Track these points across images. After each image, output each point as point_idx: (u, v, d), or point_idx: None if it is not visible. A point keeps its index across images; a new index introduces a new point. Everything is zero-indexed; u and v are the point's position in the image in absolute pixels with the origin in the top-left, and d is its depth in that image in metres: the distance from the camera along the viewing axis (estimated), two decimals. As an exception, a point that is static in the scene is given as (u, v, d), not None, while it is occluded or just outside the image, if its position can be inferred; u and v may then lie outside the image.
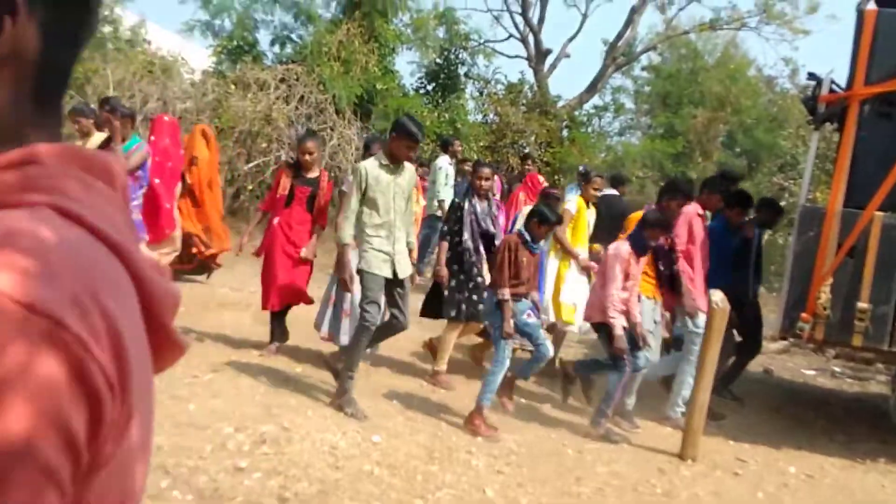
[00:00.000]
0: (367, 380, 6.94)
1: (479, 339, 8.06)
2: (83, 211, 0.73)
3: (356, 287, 6.34)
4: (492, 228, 7.45)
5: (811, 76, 7.75)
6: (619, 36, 24.39)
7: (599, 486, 5.37)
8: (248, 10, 17.20)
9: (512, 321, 6.20)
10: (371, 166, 6.20)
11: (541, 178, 12.04)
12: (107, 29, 17.07)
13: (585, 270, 8.07)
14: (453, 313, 7.29)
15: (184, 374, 6.17)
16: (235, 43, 16.83)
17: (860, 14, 7.12)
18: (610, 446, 6.27)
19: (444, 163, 12.10)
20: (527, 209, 7.54)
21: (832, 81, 7.40)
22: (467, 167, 11.56)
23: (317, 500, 4.45)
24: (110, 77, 14.47)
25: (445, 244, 7.35)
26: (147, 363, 0.79)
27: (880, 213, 6.76)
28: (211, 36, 17.33)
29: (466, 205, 7.37)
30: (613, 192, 10.02)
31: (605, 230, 8.40)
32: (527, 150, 16.62)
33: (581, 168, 10.45)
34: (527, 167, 12.36)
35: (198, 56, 17.65)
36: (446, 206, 9.83)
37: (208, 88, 15.22)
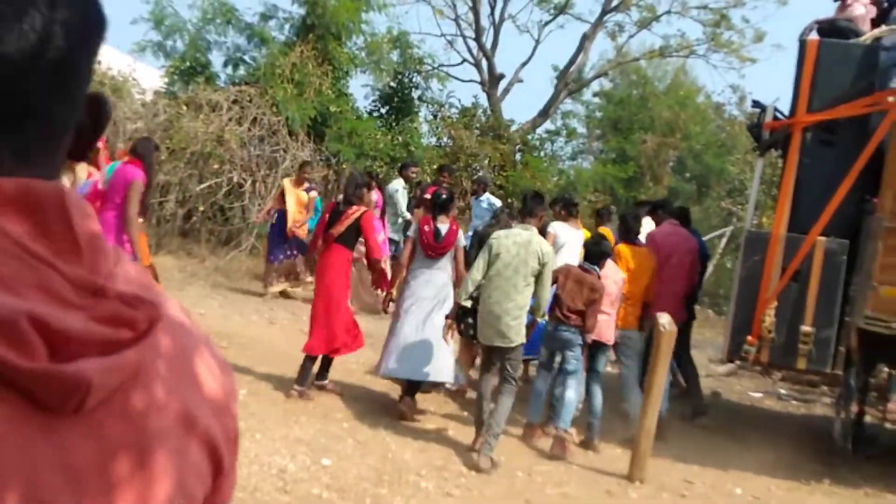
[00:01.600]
0: (317, 402, 6.91)
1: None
2: None
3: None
4: None
5: (756, 104, 7.93)
6: (571, 62, 24.67)
7: (548, 509, 5.39)
8: (200, 31, 17.10)
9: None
10: None
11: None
12: (56, 48, 16.85)
13: None
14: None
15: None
16: (188, 64, 16.71)
17: (802, 44, 7.31)
18: (560, 468, 6.30)
19: (399, 186, 12.21)
20: None
21: (776, 109, 7.58)
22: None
23: (264, 524, 4.41)
24: (59, 96, 14.27)
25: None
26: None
27: (823, 238, 6.91)
28: (163, 56, 17.18)
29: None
30: None
31: None
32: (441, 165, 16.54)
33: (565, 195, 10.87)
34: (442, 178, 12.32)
35: (149, 76, 17.48)
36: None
37: (160, 109, 15.08)
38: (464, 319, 6.84)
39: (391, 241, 11.75)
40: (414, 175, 12.64)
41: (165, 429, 0.77)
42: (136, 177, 6.79)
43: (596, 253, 6.97)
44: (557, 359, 6.90)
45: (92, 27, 0.77)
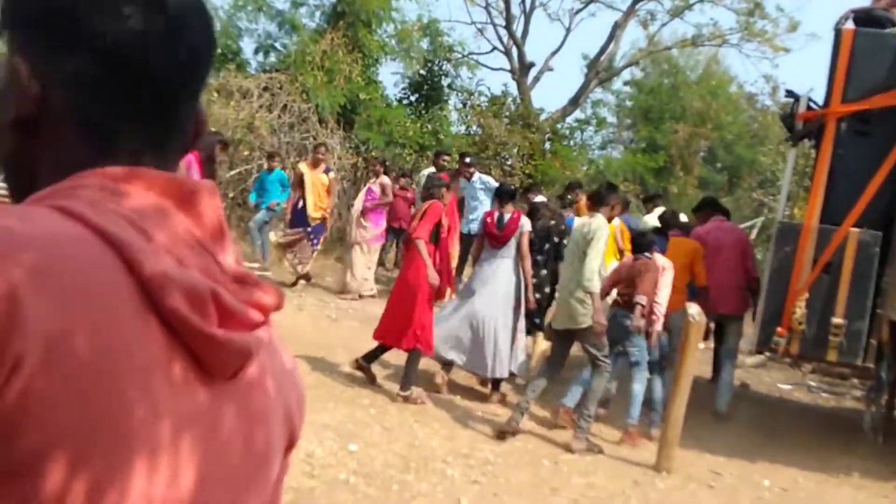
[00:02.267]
0: (346, 389, 6.94)
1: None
2: (85, 210, 0.74)
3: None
4: None
5: (789, 94, 7.84)
6: (602, 51, 24.52)
7: (575, 498, 5.39)
8: (231, 18, 17.19)
9: None
10: None
11: None
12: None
13: None
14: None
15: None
16: (219, 50, 16.79)
17: (838, 33, 7.21)
18: (587, 458, 6.29)
19: (430, 172, 12.21)
20: None
21: (810, 99, 7.50)
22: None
23: (291, 508, 4.44)
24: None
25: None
26: (136, 381, 0.72)
27: (856, 230, 6.84)
28: (194, 43, 17.29)
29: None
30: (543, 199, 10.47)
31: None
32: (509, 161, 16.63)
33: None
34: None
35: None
36: None
37: (191, 96, 15.17)
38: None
39: None
40: (445, 162, 12.60)
41: (275, 402, 0.90)
42: (189, 167, 6.80)
43: (643, 243, 7.11)
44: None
45: (213, 46, 0.91)
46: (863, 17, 7.70)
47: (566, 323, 6.59)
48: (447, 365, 7.45)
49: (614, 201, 7.04)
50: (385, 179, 11.65)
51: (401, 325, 6.94)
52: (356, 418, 6.20)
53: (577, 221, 7.06)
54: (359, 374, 7.20)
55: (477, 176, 12.29)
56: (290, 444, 0.99)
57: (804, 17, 23.80)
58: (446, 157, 12.89)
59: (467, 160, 12.20)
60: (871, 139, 7.06)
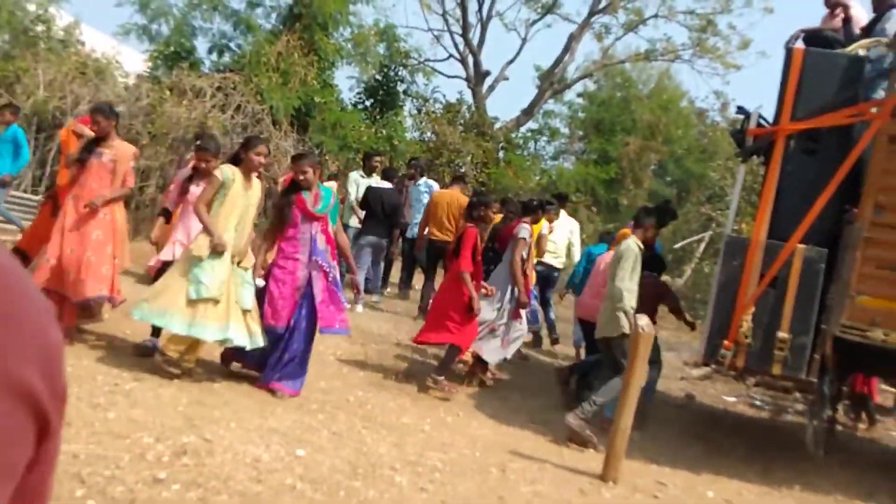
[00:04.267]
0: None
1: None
2: None
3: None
4: None
5: (740, 110, 7.96)
6: (557, 62, 24.72)
7: (521, 506, 5.39)
8: (186, 17, 16.99)
9: None
10: None
11: None
12: (39, 28, 16.70)
13: None
14: None
15: (104, 382, 6.03)
16: (172, 49, 16.60)
17: (788, 52, 7.34)
18: (534, 465, 6.31)
19: (356, 175, 12.27)
20: None
21: (760, 116, 7.61)
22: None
23: (236, 513, 4.38)
24: (41, 77, 14.16)
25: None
26: None
27: (802, 246, 6.95)
28: (147, 40, 17.06)
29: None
30: (388, 185, 11.76)
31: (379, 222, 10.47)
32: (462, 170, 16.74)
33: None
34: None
35: (133, 60, 17.36)
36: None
37: (142, 93, 14.97)
38: None
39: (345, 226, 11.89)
40: (378, 164, 12.60)
41: None
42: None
43: (653, 263, 8.22)
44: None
45: None
46: (812, 38, 7.85)
47: (602, 332, 7.56)
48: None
49: (647, 224, 7.75)
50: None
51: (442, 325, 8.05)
52: (304, 423, 6.15)
53: (621, 245, 7.78)
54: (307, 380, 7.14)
55: (423, 180, 12.35)
56: (44, 434, 0.77)
57: (755, 35, 24.26)
58: (378, 159, 12.90)
59: (412, 162, 12.45)
60: (818, 157, 7.19)
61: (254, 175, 6.93)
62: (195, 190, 7.21)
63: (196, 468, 4.78)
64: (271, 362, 6.82)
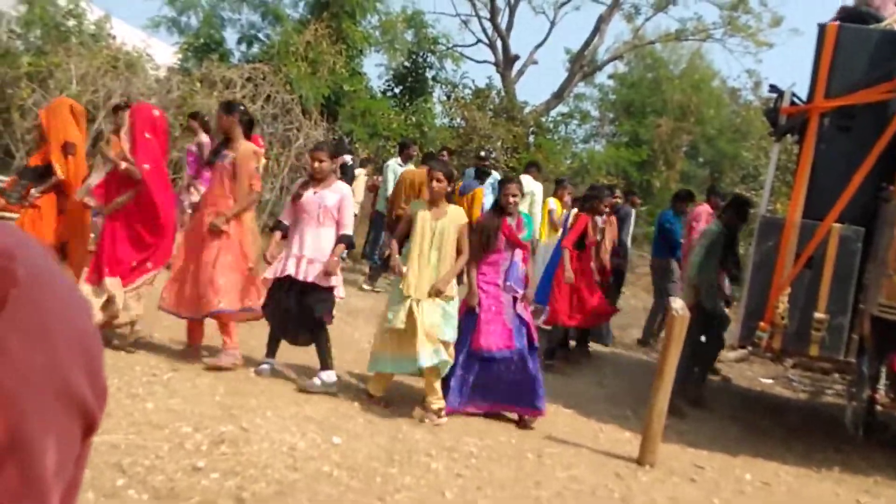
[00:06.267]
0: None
1: None
2: None
3: None
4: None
5: (773, 88, 7.85)
6: (587, 44, 24.55)
7: (558, 491, 5.39)
8: (214, 8, 17.11)
9: None
10: None
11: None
12: (71, 22, 16.87)
13: None
14: None
15: (142, 373, 6.11)
16: (202, 40, 16.73)
17: (822, 28, 7.23)
18: (570, 450, 6.30)
19: (394, 163, 12.31)
20: None
21: (793, 94, 7.51)
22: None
23: (274, 500, 4.42)
24: (73, 71, 14.31)
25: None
26: None
27: (838, 225, 6.86)
28: (177, 33, 17.23)
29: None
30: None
31: None
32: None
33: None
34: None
35: (163, 53, 17.49)
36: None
37: (173, 85, 15.09)
38: None
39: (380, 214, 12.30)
40: (414, 154, 12.66)
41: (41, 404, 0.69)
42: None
43: None
44: None
45: None
46: (848, 15, 7.72)
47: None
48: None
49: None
50: (204, 138, 10.63)
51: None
52: (340, 411, 6.19)
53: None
54: (341, 370, 7.17)
55: (493, 174, 12.40)
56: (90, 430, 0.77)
57: (787, 12, 23.90)
58: (414, 148, 12.94)
59: (482, 154, 12.60)
60: (854, 134, 7.08)
61: (443, 202, 6.68)
62: (310, 196, 6.74)
63: (234, 457, 4.83)
64: (501, 390, 6.75)
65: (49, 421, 0.68)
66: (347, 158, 11.96)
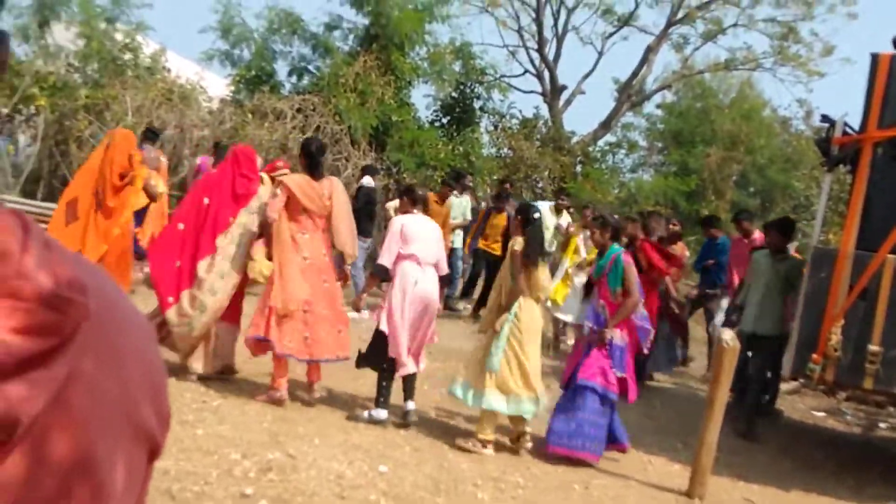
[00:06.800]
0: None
1: None
2: None
3: None
4: None
5: (824, 118, 7.78)
6: (635, 74, 24.52)
7: (605, 523, 5.34)
8: (266, 41, 17.39)
9: None
10: None
11: None
12: (127, 56, 17.27)
13: None
14: None
15: (192, 400, 6.19)
16: (253, 72, 17.00)
17: (874, 58, 7.16)
18: (618, 482, 6.24)
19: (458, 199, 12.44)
20: None
21: (845, 124, 7.43)
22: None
23: (322, 528, 4.44)
24: (129, 103, 14.64)
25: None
26: None
27: (892, 256, 6.75)
28: (229, 65, 17.53)
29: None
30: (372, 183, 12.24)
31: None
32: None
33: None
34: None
35: (216, 84, 17.82)
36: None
37: (226, 116, 15.37)
38: None
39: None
40: (469, 185, 12.85)
41: (111, 429, 0.70)
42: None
43: None
44: None
45: None
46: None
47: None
48: None
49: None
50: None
51: None
52: (386, 439, 6.20)
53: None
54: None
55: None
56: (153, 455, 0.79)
57: (839, 41, 23.64)
58: (469, 180, 13.13)
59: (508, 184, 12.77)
60: (908, 165, 6.99)
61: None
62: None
63: (281, 484, 4.86)
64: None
65: (119, 444, 0.71)
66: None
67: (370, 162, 14.34)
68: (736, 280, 10.31)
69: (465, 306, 12.57)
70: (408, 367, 6.61)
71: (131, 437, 0.73)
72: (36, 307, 0.62)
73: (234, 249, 6.85)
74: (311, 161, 6.93)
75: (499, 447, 6.56)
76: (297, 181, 6.80)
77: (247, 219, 6.91)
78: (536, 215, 6.74)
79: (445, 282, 7.05)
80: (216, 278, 6.76)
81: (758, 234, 10.68)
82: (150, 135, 11.27)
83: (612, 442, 6.63)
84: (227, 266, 6.83)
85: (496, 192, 13.32)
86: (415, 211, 6.95)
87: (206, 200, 6.98)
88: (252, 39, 17.32)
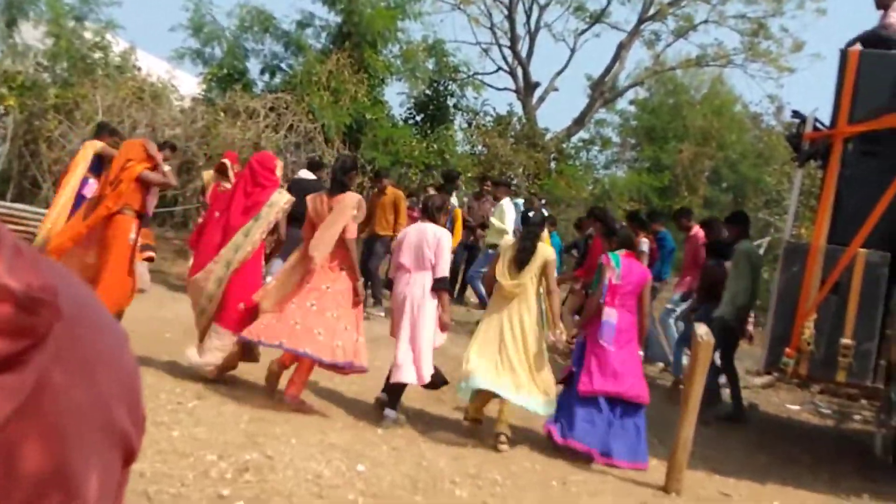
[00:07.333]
0: (353, 409, 6.92)
1: None
2: None
3: None
4: None
5: (795, 114, 7.85)
6: (607, 70, 24.62)
7: (583, 519, 5.36)
8: (238, 39, 17.28)
9: None
10: None
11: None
12: (97, 55, 17.09)
13: None
14: None
15: (167, 401, 6.13)
16: (225, 71, 16.89)
17: (843, 54, 7.23)
18: (595, 478, 6.26)
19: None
20: None
21: (816, 119, 7.50)
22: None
23: (300, 529, 4.42)
24: (99, 103, 14.49)
25: None
26: None
27: (864, 250, 6.82)
28: (201, 64, 17.39)
29: None
30: (311, 176, 11.19)
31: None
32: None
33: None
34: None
35: (187, 83, 17.67)
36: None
37: (197, 115, 15.25)
38: None
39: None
40: (461, 185, 12.93)
41: (83, 436, 0.69)
42: None
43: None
44: None
45: None
46: (869, 39, 7.72)
47: None
48: None
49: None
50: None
51: None
52: (364, 438, 6.18)
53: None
54: (365, 397, 7.17)
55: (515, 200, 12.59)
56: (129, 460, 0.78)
57: (808, 37, 23.87)
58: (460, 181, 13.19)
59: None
60: (878, 160, 7.06)
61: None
62: None
63: (258, 484, 4.83)
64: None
65: (92, 452, 0.69)
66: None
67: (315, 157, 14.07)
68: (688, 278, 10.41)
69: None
70: (402, 372, 6.66)
71: (105, 441, 0.71)
72: (7, 309, 0.61)
73: (231, 255, 6.85)
74: (332, 178, 7.16)
75: (475, 445, 6.57)
76: (311, 199, 6.94)
77: (251, 225, 6.91)
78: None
79: (445, 284, 7.07)
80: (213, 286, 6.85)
81: (697, 230, 10.64)
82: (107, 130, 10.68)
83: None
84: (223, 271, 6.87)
85: (478, 189, 13.39)
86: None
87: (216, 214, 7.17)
88: (223, 37, 17.20)
